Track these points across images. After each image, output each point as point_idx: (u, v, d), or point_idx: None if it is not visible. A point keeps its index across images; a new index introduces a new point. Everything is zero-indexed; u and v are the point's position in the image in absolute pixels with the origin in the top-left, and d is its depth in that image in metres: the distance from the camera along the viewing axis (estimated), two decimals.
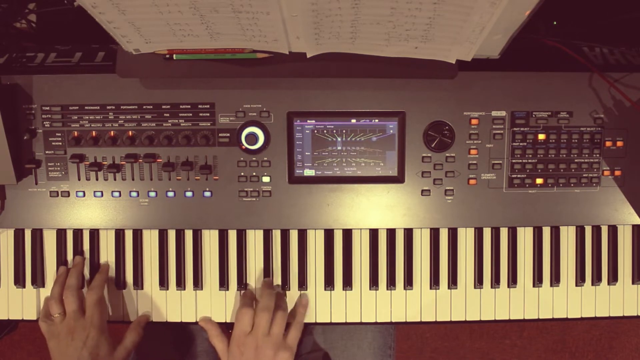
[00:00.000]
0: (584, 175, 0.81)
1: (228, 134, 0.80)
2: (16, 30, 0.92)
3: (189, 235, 0.84)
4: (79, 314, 0.78)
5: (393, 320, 0.85)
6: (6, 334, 1.32)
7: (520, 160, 0.81)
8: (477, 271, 0.84)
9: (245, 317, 0.77)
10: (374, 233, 0.84)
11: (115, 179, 0.80)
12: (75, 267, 0.82)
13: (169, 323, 0.85)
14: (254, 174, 0.80)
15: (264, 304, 0.77)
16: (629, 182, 0.82)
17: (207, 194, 0.81)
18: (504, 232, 0.84)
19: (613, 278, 0.85)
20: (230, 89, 0.79)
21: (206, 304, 0.84)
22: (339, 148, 0.80)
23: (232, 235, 0.84)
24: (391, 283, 0.84)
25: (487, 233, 0.84)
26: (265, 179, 0.81)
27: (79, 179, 0.81)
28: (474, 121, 0.80)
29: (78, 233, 0.84)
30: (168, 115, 0.79)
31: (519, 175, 0.81)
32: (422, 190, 0.81)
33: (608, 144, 0.81)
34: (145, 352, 0.96)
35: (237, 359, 0.76)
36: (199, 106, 0.79)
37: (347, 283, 0.84)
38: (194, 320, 0.84)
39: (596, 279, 0.85)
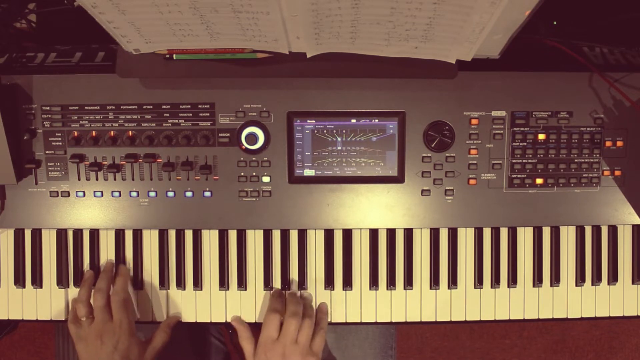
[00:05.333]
0: (584, 175, 0.81)
1: (228, 134, 0.80)
2: (16, 30, 0.92)
3: (189, 235, 0.84)
4: (107, 317, 0.78)
5: (393, 320, 0.85)
6: (6, 334, 1.32)
7: (520, 160, 0.81)
8: (477, 271, 0.84)
9: (273, 323, 0.77)
10: (374, 233, 0.84)
11: (115, 179, 0.80)
12: (105, 271, 0.82)
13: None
14: (254, 174, 0.80)
15: (292, 311, 0.77)
16: (629, 182, 0.81)
17: (207, 194, 0.81)
18: (504, 232, 0.84)
19: (613, 278, 0.85)
20: (230, 89, 0.79)
21: (206, 304, 0.84)
22: (339, 148, 0.80)
23: (232, 235, 0.84)
24: (391, 283, 0.84)
25: (487, 233, 0.84)
26: (265, 179, 0.81)
27: (79, 179, 0.81)
28: (474, 121, 0.80)
29: (78, 233, 0.84)
30: (168, 115, 0.79)
31: (519, 175, 0.81)
32: (422, 190, 0.81)
33: (608, 144, 0.81)
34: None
35: None
36: (199, 106, 0.79)
37: (347, 283, 0.84)
38: (193, 320, 0.84)
39: (596, 279, 0.85)
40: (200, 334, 1.02)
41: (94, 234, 0.84)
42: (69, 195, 0.81)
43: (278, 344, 0.76)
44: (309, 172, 0.81)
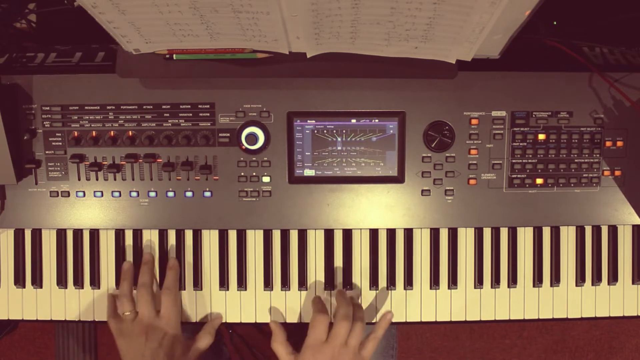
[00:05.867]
0: (584, 175, 0.81)
1: (228, 134, 0.80)
2: (16, 30, 0.92)
3: (189, 235, 0.84)
4: (153, 312, 0.78)
5: (393, 320, 0.85)
6: (6, 334, 1.32)
7: (520, 160, 0.81)
8: (477, 271, 0.84)
9: (322, 325, 0.76)
10: (374, 233, 0.84)
11: (115, 179, 0.80)
12: (146, 265, 0.82)
13: None
14: (254, 174, 0.80)
15: (343, 313, 0.76)
16: (629, 182, 0.81)
17: (207, 194, 0.81)
18: (504, 232, 0.84)
19: (613, 278, 0.85)
20: (230, 89, 0.79)
21: (206, 304, 0.84)
22: (339, 148, 0.80)
23: (232, 235, 0.84)
24: (391, 283, 0.84)
25: (487, 233, 0.84)
26: (265, 179, 0.81)
27: (79, 179, 0.81)
28: (474, 121, 0.80)
29: (78, 233, 0.84)
30: (168, 115, 0.79)
31: (519, 175, 0.81)
32: (422, 190, 0.81)
33: (608, 144, 0.81)
34: None
35: None
36: (199, 106, 0.79)
37: (347, 283, 0.84)
38: (194, 321, 0.84)
39: (596, 279, 0.85)
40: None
41: (94, 234, 0.84)
42: (69, 195, 0.81)
43: (327, 346, 0.74)
44: (309, 172, 0.81)
